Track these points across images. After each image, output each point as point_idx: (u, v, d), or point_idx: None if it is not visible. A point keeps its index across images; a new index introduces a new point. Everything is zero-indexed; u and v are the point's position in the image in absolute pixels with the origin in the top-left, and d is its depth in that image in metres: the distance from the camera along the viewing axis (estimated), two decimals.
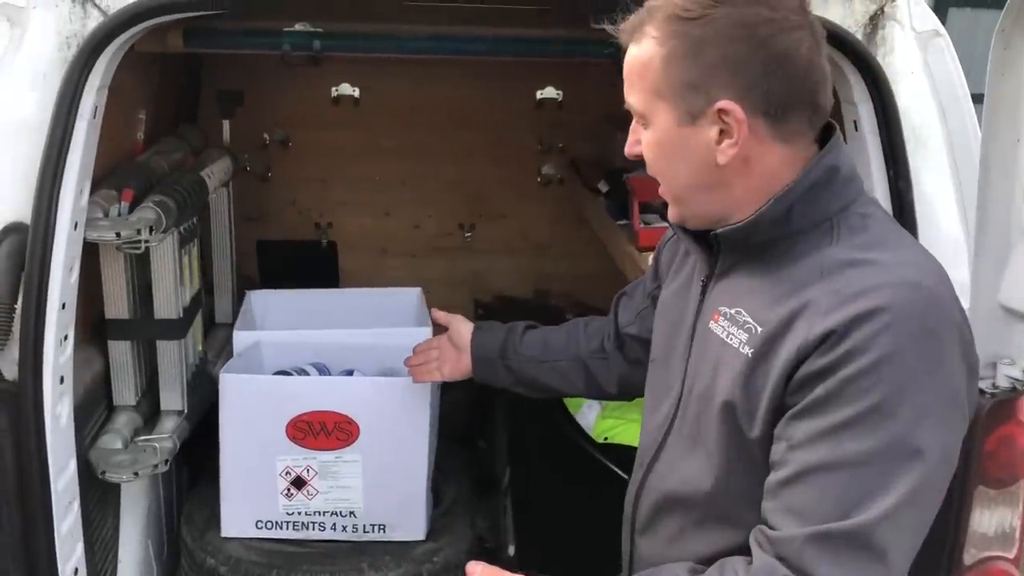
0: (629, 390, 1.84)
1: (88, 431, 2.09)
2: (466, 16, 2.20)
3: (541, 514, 2.48)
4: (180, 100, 3.02)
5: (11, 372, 1.74)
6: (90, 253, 1.99)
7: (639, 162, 1.40)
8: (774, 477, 1.22)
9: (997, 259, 1.67)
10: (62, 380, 1.82)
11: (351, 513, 2.28)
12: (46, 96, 1.74)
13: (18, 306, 1.73)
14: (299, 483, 2.26)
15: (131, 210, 2.07)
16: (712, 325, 1.35)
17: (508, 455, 2.72)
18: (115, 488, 2.22)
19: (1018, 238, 1.65)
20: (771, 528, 1.21)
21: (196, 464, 2.58)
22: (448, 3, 2.10)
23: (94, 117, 1.80)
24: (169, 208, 2.12)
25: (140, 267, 2.23)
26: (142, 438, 2.21)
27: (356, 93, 3.32)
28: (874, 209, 1.35)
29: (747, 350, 1.27)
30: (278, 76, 3.18)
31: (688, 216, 1.38)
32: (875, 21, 1.82)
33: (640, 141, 1.35)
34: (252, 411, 2.22)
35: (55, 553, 1.81)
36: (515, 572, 1.32)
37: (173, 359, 2.29)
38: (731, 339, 1.30)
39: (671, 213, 1.40)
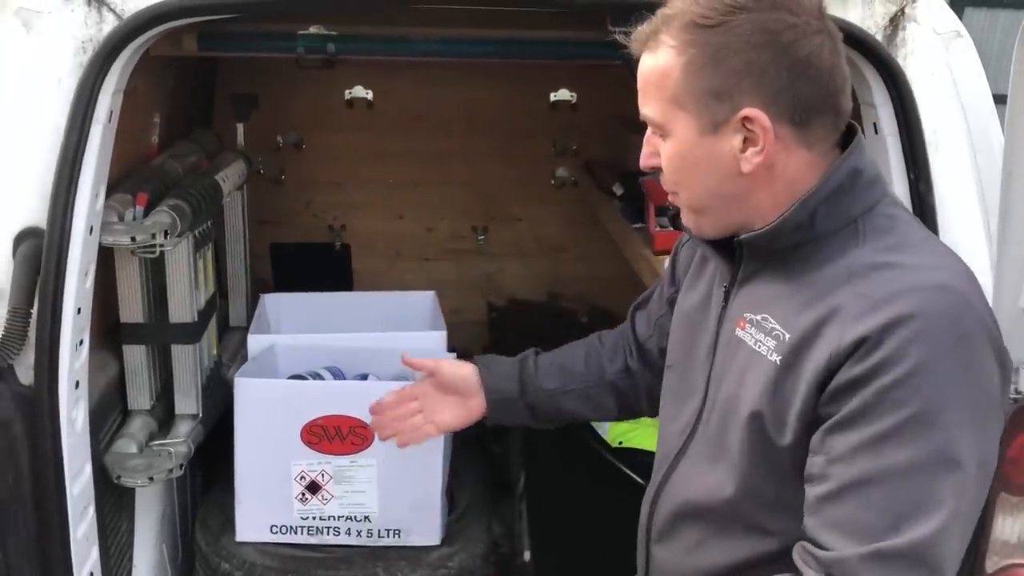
0: (658, 404, 1.76)
1: (103, 435, 2.10)
2: (479, 19, 2.20)
3: (556, 519, 2.47)
4: (194, 103, 3.03)
5: (27, 377, 1.74)
6: (104, 257, 1.99)
7: None
8: (814, 492, 1.19)
9: (1019, 263, 1.65)
10: (77, 385, 1.81)
11: (366, 518, 2.28)
12: (61, 100, 1.74)
13: (34, 311, 1.73)
14: (314, 488, 2.25)
15: (146, 214, 2.07)
16: (739, 332, 1.33)
17: (523, 460, 2.71)
18: (130, 492, 2.22)
19: None
20: (819, 546, 1.17)
21: (210, 468, 2.58)
22: (461, 6, 2.09)
23: (109, 121, 1.80)
24: (184, 212, 2.11)
25: (155, 271, 2.23)
26: (157, 442, 2.21)
27: (369, 96, 3.33)
28: (899, 210, 1.34)
29: (775, 357, 1.25)
30: (291, 79, 3.18)
31: (707, 225, 1.35)
32: (895, 22, 1.79)
33: (656, 152, 1.32)
34: (267, 415, 2.22)
35: (70, 558, 1.81)
36: None
37: (188, 363, 2.29)
38: (759, 347, 1.28)
39: (687, 221, 1.38)
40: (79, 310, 1.78)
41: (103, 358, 2.14)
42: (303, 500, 2.27)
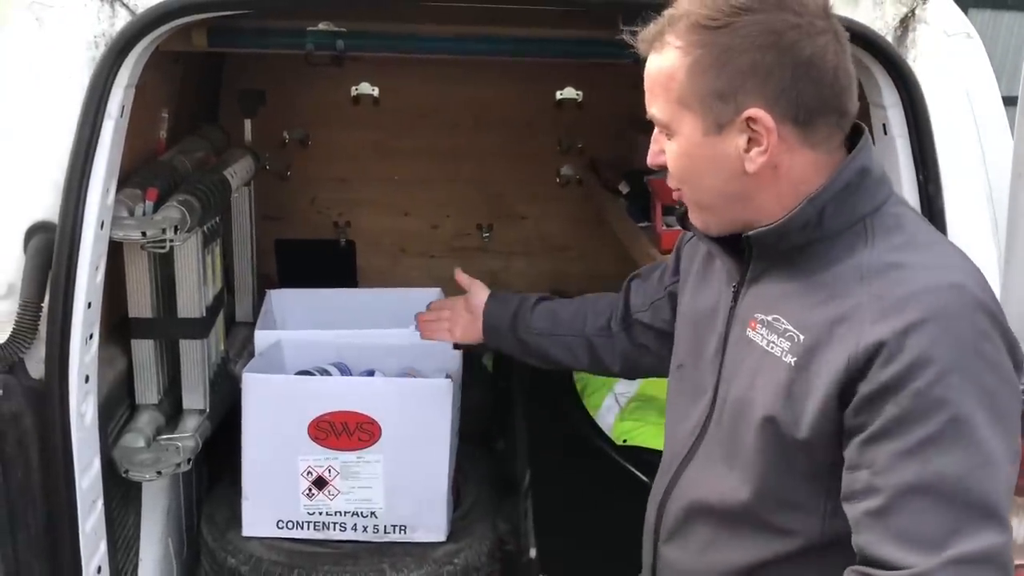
0: (631, 369, 1.88)
1: (111, 430, 2.10)
2: (487, 16, 2.20)
3: (562, 516, 2.47)
4: (201, 99, 3.03)
5: (37, 371, 1.75)
6: (113, 252, 2.00)
7: None
8: (863, 507, 1.17)
9: None
10: (87, 379, 1.82)
11: (372, 514, 2.28)
12: (74, 95, 1.74)
13: (45, 305, 1.73)
14: (320, 483, 2.26)
15: (156, 209, 2.08)
16: (750, 333, 1.33)
17: (528, 457, 2.71)
18: (136, 486, 2.23)
19: None
20: (881, 564, 1.15)
21: (216, 463, 2.58)
22: (470, 3, 2.10)
23: (121, 116, 1.81)
24: (193, 207, 2.12)
25: (163, 266, 2.24)
26: (164, 437, 2.22)
27: (376, 93, 3.32)
28: (905, 209, 1.34)
29: (790, 359, 1.25)
30: (298, 75, 3.18)
31: (713, 224, 1.36)
32: (905, 24, 1.80)
33: (663, 151, 1.33)
34: (274, 411, 2.22)
35: (79, 551, 1.82)
36: None
37: (196, 358, 2.30)
38: (772, 348, 1.29)
39: (694, 219, 1.39)
40: (89, 304, 1.79)
41: (111, 353, 2.14)
42: (309, 495, 2.27)
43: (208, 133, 2.82)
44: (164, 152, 2.49)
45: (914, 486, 1.13)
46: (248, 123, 3.09)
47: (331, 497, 2.27)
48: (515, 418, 2.91)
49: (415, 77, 3.30)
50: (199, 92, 2.98)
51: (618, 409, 2.88)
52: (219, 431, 2.40)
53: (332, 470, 2.25)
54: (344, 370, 2.43)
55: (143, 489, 2.28)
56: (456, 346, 2.47)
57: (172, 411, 2.33)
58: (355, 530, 2.30)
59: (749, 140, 1.24)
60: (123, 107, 1.81)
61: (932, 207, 1.79)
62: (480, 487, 2.56)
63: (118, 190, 1.94)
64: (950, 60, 1.81)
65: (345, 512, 2.29)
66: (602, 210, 3.32)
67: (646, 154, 1.38)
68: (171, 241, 2.03)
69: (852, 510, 1.19)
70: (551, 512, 2.52)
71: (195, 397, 2.32)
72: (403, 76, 3.30)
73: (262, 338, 2.42)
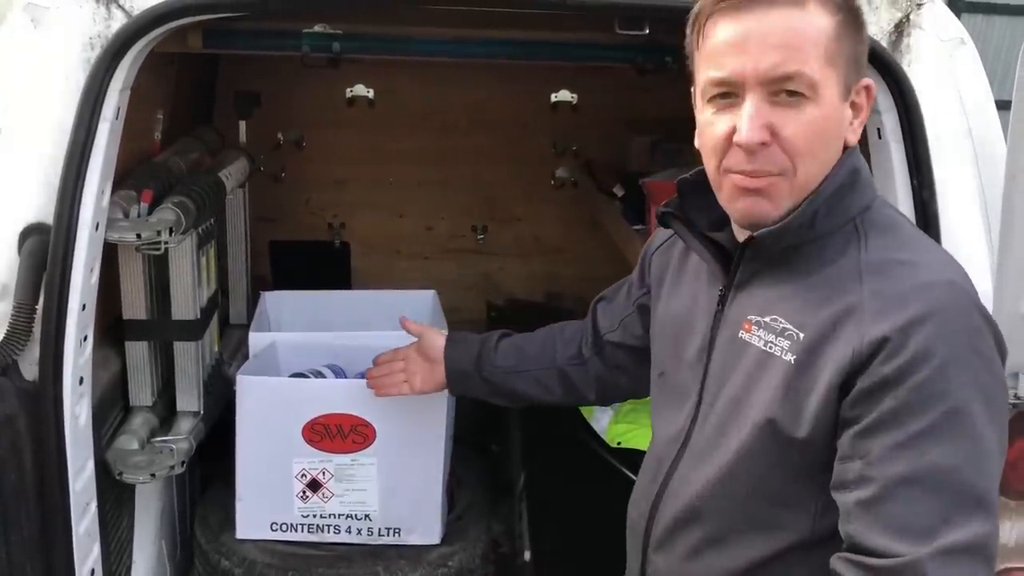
0: (607, 395, 1.85)
1: (105, 432, 2.10)
2: (482, 19, 2.20)
3: (556, 518, 2.48)
4: (196, 100, 3.03)
5: (31, 373, 1.74)
6: (107, 254, 1.99)
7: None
8: (854, 496, 1.18)
9: (1021, 270, 1.66)
10: (81, 381, 1.82)
11: (366, 516, 2.28)
12: (69, 97, 1.74)
13: (39, 306, 1.73)
14: (315, 486, 2.26)
15: (151, 211, 2.07)
16: (744, 335, 1.33)
17: (522, 459, 2.72)
18: (130, 488, 2.22)
19: None
20: (870, 552, 1.15)
21: (210, 465, 2.58)
22: (468, 7, 2.10)
23: (117, 118, 1.80)
24: (188, 209, 2.12)
25: (158, 268, 2.23)
26: (159, 439, 2.21)
27: (371, 94, 3.33)
28: (892, 210, 1.37)
29: (789, 357, 1.26)
30: (293, 76, 3.18)
31: (787, 206, 1.26)
32: (900, 29, 1.81)
33: (770, 125, 1.21)
34: (269, 413, 2.22)
35: (73, 554, 1.81)
36: None
37: (190, 360, 2.29)
38: (771, 347, 1.29)
39: (768, 210, 1.26)
40: (84, 306, 1.78)
41: (105, 354, 2.14)
42: (304, 498, 2.27)
43: (203, 135, 2.82)
44: (159, 154, 2.49)
45: (907, 477, 1.14)
46: (243, 124, 3.09)
47: (325, 500, 2.27)
48: (509, 420, 2.92)
49: (410, 79, 3.30)
50: (194, 94, 2.98)
51: (612, 412, 2.88)
52: (213, 433, 2.39)
53: (326, 472, 2.25)
54: (338, 372, 2.43)
55: (137, 491, 2.27)
56: None
57: (166, 413, 2.33)
58: (349, 533, 2.30)
59: (852, 111, 1.28)
60: (118, 109, 1.80)
61: (926, 211, 1.79)
62: (474, 489, 2.56)
63: (113, 192, 1.93)
64: (944, 65, 1.82)
65: (339, 515, 2.28)
66: (597, 212, 3.33)
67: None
68: (166, 243, 2.03)
69: (843, 499, 1.20)
70: (545, 514, 2.53)
71: (189, 399, 2.32)
72: (398, 78, 3.30)
73: (256, 340, 2.41)
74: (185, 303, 2.26)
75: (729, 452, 1.33)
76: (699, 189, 1.39)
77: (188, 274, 2.25)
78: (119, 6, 1.75)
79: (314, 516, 2.29)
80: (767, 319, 1.30)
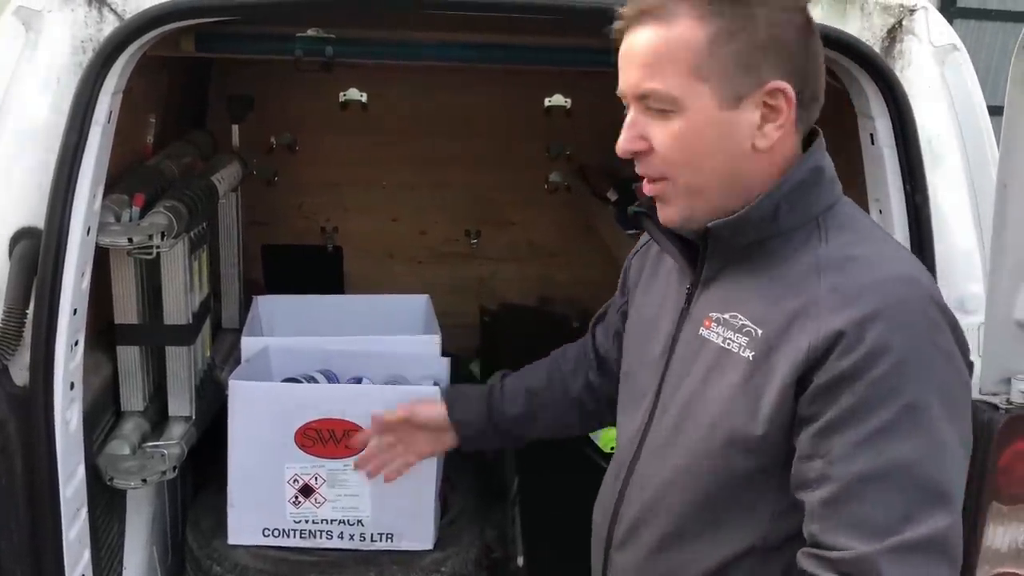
0: None
1: (96, 437, 2.08)
2: (476, 24, 2.20)
3: (549, 524, 2.47)
4: (188, 104, 3.02)
5: (22, 378, 1.73)
6: (98, 258, 1.98)
7: None
8: (816, 496, 1.18)
9: (1013, 275, 1.66)
10: (72, 386, 1.81)
11: (359, 522, 2.27)
12: (60, 100, 1.73)
13: (29, 311, 1.72)
14: (307, 491, 2.25)
15: (142, 215, 2.07)
16: (704, 332, 1.33)
17: (516, 465, 2.71)
18: (121, 494, 2.21)
19: None
20: (830, 548, 1.16)
21: (202, 470, 2.56)
22: (459, 12, 2.10)
23: (108, 122, 1.80)
24: (181, 213, 2.11)
25: (150, 272, 2.22)
26: (150, 444, 2.20)
27: (364, 98, 3.33)
28: (856, 210, 1.37)
29: (748, 353, 1.26)
30: (286, 80, 3.17)
31: (700, 210, 1.30)
32: (893, 35, 1.81)
33: (644, 136, 1.27)
34: (261, 418, 2.20)
35: (63, 559, 1.80)
36: None
37: (182, 365, 2.28)
38: (729, 344, 1.29)
39: (673, 212, 1.32)
40: (75, 311, 1.78)
41: (96, 359, 2.13)
42: (296, 503, 2.26)
43: (195, 138, 2.81)
44: (151, 157, 2.48)
45: (868, 474, 1.14)
46: (236, 128, 3.08)
47: (318, 505, 2.26)
48: None
49: (404, 83, 3.30)
50: (186, 97, 2.97)
51: None
52: (205, 438, 2.38)
53: (319, 478, 2.24)
54: (331, 377, 2.42)
55: (128, 497, 2.26)
56: (444, 353, 2.47)
57: (158, 418, 2.31)
58: (342, 538, 2.28)
59: (762, 116, 1.24)
60: (110, 112, 1.80)
61: (919, 216, 1.80)
62: (468, 495, 2.55)
63: (105, 195, 1.92)
64: (937, 71, 1.83)
65: (332, 520, 2.27)
66: (590, 217, 3.33)
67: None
68: (158, 247, 2.02)
69: (806, 499, 1.20)
70: (539, 520, 2.53)
71: (181, 404, 2.31)
72: (392, 82, 3.30)
73: (249, 344, 2.40)
74: (177, 308, 2.25)
75: (685, 450, 1.33)
76: None
77: (180, 278, 2.24)
78: (111, 9, 1.74)
79: (306, 522, 2.27)
80: (727, 315, 1.30)
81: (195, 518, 2.40)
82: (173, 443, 2.22)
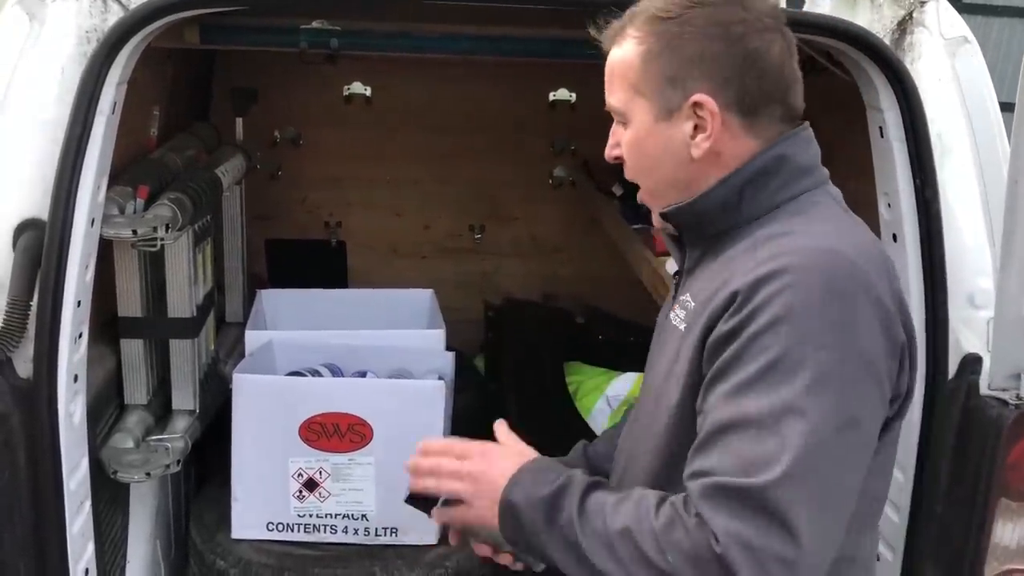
0: None
1: (99, 430, 2.08)
2: (481, 16, 2.19)
3: None
4: (192, 96, 3.01)
5: (25, 370, 1.72)
6: (102, 250, 1.97)
7: None
8: (692, 447, 1.21)
9: (1022, 271, 1.65)
10: (76, 378, 1.80)
11: (363, 516, 2.26)
12: (65, 91, 1.72)
13: (33, 303, 1.71)
14: (311, 485, 2.24)
15: (146, 207, 2.06)
16: (671, 316, 1.40)
17: None
18: (124, 487, 2.20)
19: None
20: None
21: (206, 464, 2.56)
22: (466, 3, 2.08)
23: (113, 113, 1.79)
24: (185, 206, 2.10)
25: (154, 265, 2.21)
26: (154, 438, 2.19)
27: (368, 92, 3.32)
28: (827, 200, 1.35)
29: (682, 326, 1.33)
30: (289, 74, 3.16)
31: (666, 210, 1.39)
32: (903, 27, 1.80)
33: (619, 144, 1.38)
34: (265, 412, 2.20)
35: (67, 553, 1.79)
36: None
37: (186, 358, 2.27)
38: (676, 321, 1.36)
39: (654, 217, 1.43)
40: (79, 303, 1.77)
41: (100, 352, 2.12)
42: (300, 497, 2.25)
43: (199, 131, 2.80)
44: (155, 150, 2.47)
45: (723, 426, 1.17)
46: (239, 121, 3.07)
47: (322, 499, 2.25)
48: (507, 420, 2.89)
49: (408, 77, 3.28)
50: (191, 90, 2.96)
51: (610, 411, 2.88)
52: (209, 432, 2.37)
53: (323, 472, 2.23)
54: (335, 371, 2.41)
55: (131, 490, 2.25)
56: (448, 348, 2.47)
57: (161, 411, 2.30)
58: (346, 532, 2.28)
59: (695, 127, 1.30)
60: (115, 103, 1.79)
61: (929, 211, 1.79)
62: None
63: (109, 187, 1.91)
64: (947, 64, 1.81)
65: (336, 514, 2.27)
66: (595, 212, 3.32)
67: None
68: (162, 240, 2.01)
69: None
70: None
71: (185, 397, 2.30)
72: (396, 76, 3.29)
73: (253, 338, 2.40)
74: (181, 300, 2.24)
75: (648, 432, 1.38)
76: None
77: (184, 271, 2.23)
78: (116, 0, 1.73)
79: (310, 516, 2.27)
80: (684, 297, 1.37)
81: (199, 512, 2.39)
82: (177, 437, 2.21)
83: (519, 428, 2.90)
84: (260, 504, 2.26)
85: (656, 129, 1.32)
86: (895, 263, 1.37)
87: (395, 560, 2.23)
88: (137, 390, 2.22)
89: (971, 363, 1.81)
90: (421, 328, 2.64)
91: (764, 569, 1.10)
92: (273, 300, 2.72)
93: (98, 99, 1.72)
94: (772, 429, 1.14)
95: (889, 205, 1.88)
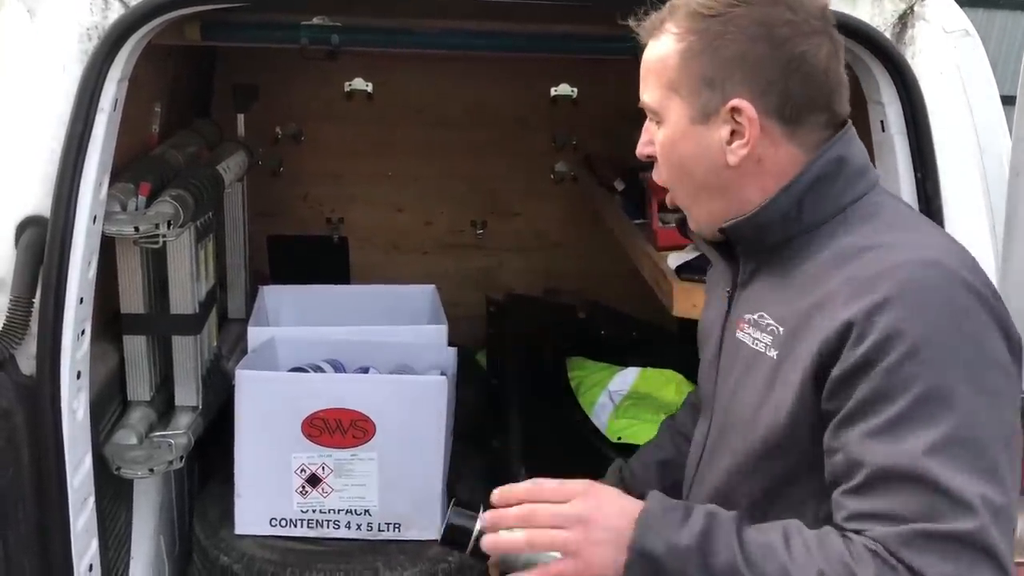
0: None
1: (103, 426, 2.08)
2: (482, 11, 2.18)
3: None
4: (193, 93, 3.01)
5: (28, 367, 1.73)
6: (104, 247, 1.98)
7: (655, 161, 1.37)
8: (841, 491, 1.14)
9: None
10: (79, 375, 1.80)
11: (366, 512, 2.27)
12: (66, 88, 1.72)
13: (36, 300, 1.71)
14: (314, 481, 2.24)
15: (148, 204, 2.06)
16: (739, 334, 1.33)
17: (523, 455, 2.70)
18: (128, 483, 2.21)
19: None
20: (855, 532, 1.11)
21: (209, 460, 2.56)
22: None
23: (114, 110, 1.79)
24: (187, 202, 2.10)
25: (156, 261, 2.21)
26: (157, 434, 2.20)
27: (369, 88, 3.31)
28: (887, 198, 1.33)
29: (772, 353, 1.25)
30: (291, 70, 3.16)
31: (702, 220, 1.35)
32: (904, 20, 1.79)
33: (652, 141, 1.32)
34: (268, 408, 2.21)
35: (71, 549, 1.80)
36: None
37: (189, 354, 2.28)
38: (757, 345, 1.28)
39: (689, 219, 1.38)
40: (81, 300, 1.77)
41: (103, 348, 2.12)
42: (303, 493, 2.26)
43: (201, 128, 2.80)
44: (157, 146, 2.47)
45: (890, 467, 1.08)
46: (241, 118, 3.07)
47: (325, 495, 2.26)
48: (510, 416, 2.90)
49: (409, 73, 3.28)
50: (192, 86, 2.96)
51: (612, 407, 2.88)
52: (212, 428, 2.38)
53: (326, 468, 2.24)
54: (338, 367, 2.42)
55: (135, 486, 2.26)
56: (450, 343, 2.47)
57: (164, 408, 2.31)
58: (349, 528, 2.28)
59: (732, 132, 1.24)
60: (116, 100, 1.79)
61: (930, 204, 1.78)
62: (475, 485, 2.54)
63: (111, 184, 1.91)
64: (949, 57, 1.81)
65: (339, 510, 2.27)
66: (597, 207, 3.31)
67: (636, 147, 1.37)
68: (164, 236, 2.02)
69: (834, 495, 1.16)
70: None
71: (188, 394, 2.31)
72: (397, 72, 3.28)
73: (255, 335, 2.40)
74: (183, 297, 2.25)
75: (731, 454, 1.32)
76: None
77: (186, 268, 2.23)
78: None
79: (313, 511, 2.27)
80: (756, 316, 1.29)
81: (202, 508, 2.40)
82: (180, 433, 2.22)
83: (522, 424, 2.90)
84: (263, 500, 2.27)
85: (691, 131, 1.26)
86: None
87: (398, 555, 2.24)
88: (140, 386, 2.23)
89: None
90: (423, 324, 2.65)
91: None
92: (275, 296, 2.73)
93: (99, 96, 1.73)
94: (949, 465, 1.07)
95: None
